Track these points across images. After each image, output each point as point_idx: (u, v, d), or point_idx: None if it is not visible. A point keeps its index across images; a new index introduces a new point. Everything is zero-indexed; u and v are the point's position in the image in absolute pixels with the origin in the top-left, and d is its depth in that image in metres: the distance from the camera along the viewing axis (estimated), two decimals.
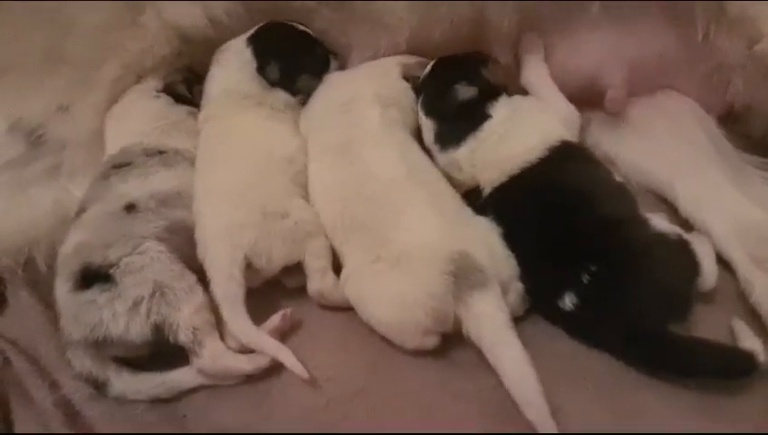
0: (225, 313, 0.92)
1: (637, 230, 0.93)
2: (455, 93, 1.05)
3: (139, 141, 1.05)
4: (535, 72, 1.11)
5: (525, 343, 0.90)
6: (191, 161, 1.05)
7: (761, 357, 0.86)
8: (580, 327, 0.92)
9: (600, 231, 0.93)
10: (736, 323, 0.92)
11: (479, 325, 0.87)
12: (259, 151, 1.03)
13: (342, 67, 1.15)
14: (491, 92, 1.05)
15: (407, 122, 1.08)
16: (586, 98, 1.10)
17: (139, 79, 1.12)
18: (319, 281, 0.96)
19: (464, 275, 0.89)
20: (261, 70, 1.09)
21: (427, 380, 0.90)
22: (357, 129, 1.04)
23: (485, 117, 1.03)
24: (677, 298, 0.91)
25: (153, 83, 1.12)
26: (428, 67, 1.10)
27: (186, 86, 1.13)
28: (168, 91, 1.12)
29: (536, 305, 0.96)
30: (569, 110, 1.07)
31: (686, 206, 1.05)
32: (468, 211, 0.99)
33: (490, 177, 1.01)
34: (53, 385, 0.94)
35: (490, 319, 0.87)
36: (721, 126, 1.11)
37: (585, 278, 0.90)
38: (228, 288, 0.92)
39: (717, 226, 1.01)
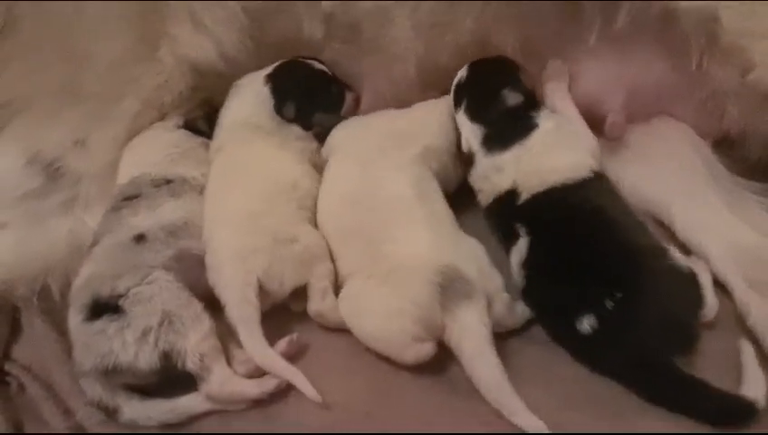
0: (242, 335, 0.94)
1: (659, 261, 0.94)
2: (502, 99, 1.07)
3: (147, 172, 1.08)
4: (560, 99, 1.12)
5: (527, 366, 0.93)
6: (198, 190, 1.07)
7: (760, 405, 0.86)
8: (591, 351, 0.92)
9: (630, 260, 0.93)
10: (746, 354, 0.92)
11: (461, 336, 0.90)
12: (267, 180, 1.06)
13: (357, 101, 1.17)
14: (533, 101, 1.08)
15: (439, 169, 1.09)
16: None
17: (163, 116, 1.15)
18: (319, 302, 0.99)
19: (451, 286, 0.91)
20: (278, 109, 1.11)
21: (433, 403, 0.91)
22: (384, 171, 1.05)
23: (533, 126, 1.05)
24: (686, 331, 0.92)
25: (175, 120, 1.15)
26: (465, 71, 1.11)
27: (206, 121, 1.16)
28: (189, 126, 1.15)
29: (545, 322, 0.96)
30: (594, 140, 1.08)
31: (683, 229, 1.06)
32: (461, 233, 1.01)
33: (530, 183, 1.02)
34: (67, 411, 0.96)
35: (472, 332, 0.89)
36: (716, 151, 1.12)
37: (608, 304, 0.90)
38: (244, 311, 0.94)
39: (714, 249, 1.02)
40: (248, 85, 1.13)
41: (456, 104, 1.11)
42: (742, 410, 0.86)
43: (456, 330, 0.90)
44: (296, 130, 1.12)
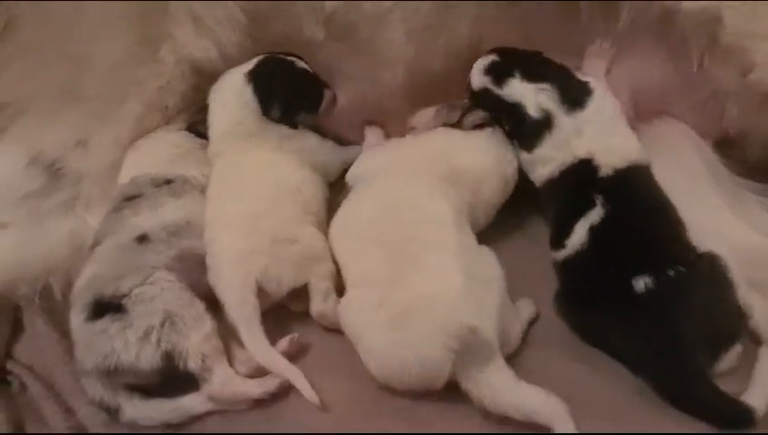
0: (243, 334, 0.94)
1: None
2: (550, 59, 1.08)
3: (147, 172, 1.08)
4: (596, 77, 1.10)
5: (534, 369, 0.93)
6: (199, 189, 1.08)
7: (760, 413, 0.86)
8: (632, 311, 0.92)
9: (691, 246, 0.96)
10: (762, 362, 0.92)
11: (495, 397, 0.87)
12: (268, 184, 1.06)
13: (334, 99, 1.16)
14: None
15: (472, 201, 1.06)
16: None
17: (168, 119, 1.15)
18: (321, 302, 0.99)
19: (468, 352, 0.87)
20: (264, 111, 1.09)
21: (435, 406, 0.91)
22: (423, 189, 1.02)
23: (590, 89, 1.05)
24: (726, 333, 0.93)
25: (179, 125, 1.16)
26: (491, 55, 1.09)
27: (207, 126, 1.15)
28: (191, 129, 1.15)
29: (595, 280, 0.96)
30: None
31: None
32: (482, 255, 0.98)
33: (610, 158, 1.01)
34: (68, 411, 0.96)
35: (502, 392, 0.87)
36: (717, 151, 1.12)
37: (670, 272, 0.92)
38: (243, 311, 0.95)
39: (715, 249, 1.00)
40: (229, 87, 1.11)
41: (500, 81, 1.07)
42: (741, 416, 0.87)
43: (485, 393, 0.87)
44: (283, 129, 1.10)
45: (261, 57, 1.12)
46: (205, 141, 1.14)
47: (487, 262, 0.96)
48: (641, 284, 0.92)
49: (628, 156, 1.02)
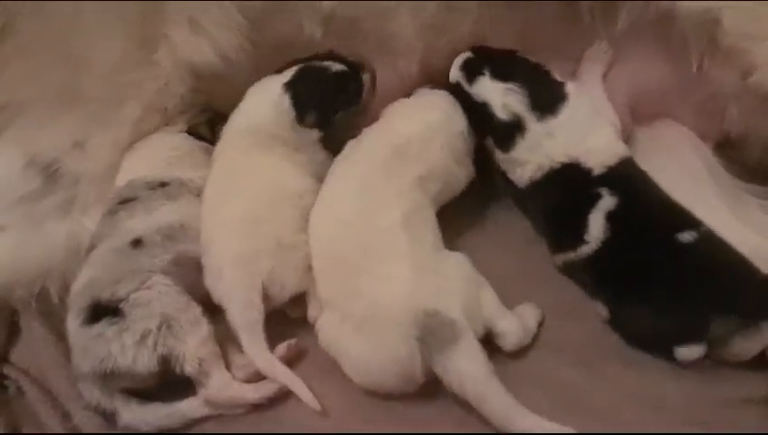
0: (244, 339, 0.94)
1: None
2: (523, 59, 1.08)
3: (144, 174, 1.08)
4: (591, 78, 1.11)
5: (526, 370, 0.93)
6: (195, 192, 1.07)
7: None
8: (688, 259, 0.94)
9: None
10: None
11: (461, 383, 0.87)
12: (268, 187, 1.04)
13: (374, 78, 1.12)
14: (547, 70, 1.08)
15: (443, 186, 1.06)
16: None
17: (168, 121, 1.15)
18: (318, 308, 0.98)
19: (431, 335, 0.87)
20: (300, 120, 1.08)
21: (431, 408, 0.91)
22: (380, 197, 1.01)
23: (565, 92, 1.05)
24: None
25: (179, 126, 1.15)
26: (467, 53, 1.09)
27: (208, 127, 1.15)
28: (192, 132, 1.15)
29: (637, 241, 0.96)
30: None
31: None
32: (443, 254, 0.98)
33: (597, 159, 1.01)
34: (65, 415, 0.96)
35: (469, 376, 0.87)
36: (717, 153, 1.12)
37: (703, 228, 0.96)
38: (248, 314, 0.94)
39: None
40: (266, 92, 1.09)
41: (471, 78, 1.07)
42: None
43: (453, 378, 0.87)
44: (314, 133, 1.08)
45: (298, 66, 1.10)
46: (205, 144, 1.13)
47: (448, 258, 0.97)
48: (687, 236, 0.94)
49: (615, 152, 1.02)
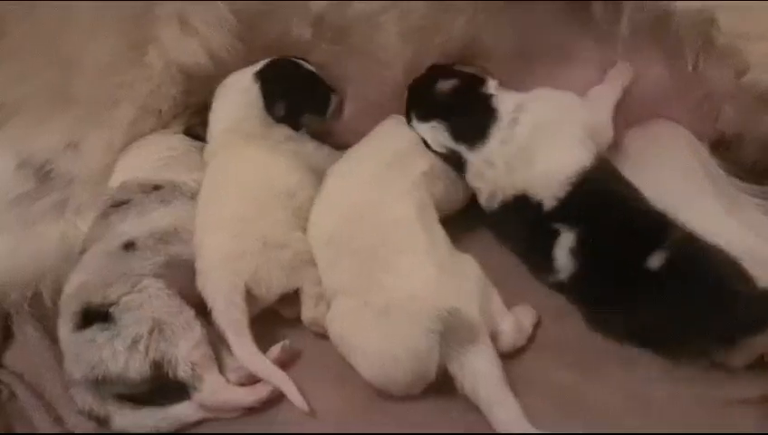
0: (231, 339, 0.93)
1: None
2: (438, 89, 1.06)
3: (137, 176, 1.07)
4: (607, 88, 1.10)
5: (525, 372, 0.92)
6: (189, 195, 1.06)
7: None
8: (656, 287, 0.91)
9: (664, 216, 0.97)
10: None
11: (474, 384, 0.87)
12: (260, 186, 1.04)
13: (341, 104, 1.15)
14: (476, 81, 1.07)
15: (443, 192, 1.06)
16: None
17: (165, 124, 1.14)
18: (312, 309, 0.98)
19: (452, 333, 0.88)
20: (268, 108, 1.09)
21: (428, 410, 0.91)
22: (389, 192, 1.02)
23: (492, 109, 1.03)
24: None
25: (176, 128, 1.15)
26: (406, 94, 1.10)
27: (204, 127, 1.15)
28: (189, 133, 1.14)
29: (608, 283, 0.95)
30: (595, 118, 1.06)
31: None
32: (457, 257, 0.98)
33: (545, 189, 0.98)
34: (58, 420, 0.95)
35: (484, 378, 0.87)
36: (713, 153, 1.11)
37: (675, 237, 0.93)
38: (231, 315, 0.94)
39: None
40: (235, 84, 1.11)
41: (409, 120, 1.08)
42: None
43: (467, 378, 0.87)
44: (285, 130, 1.10)
45: (270, 59, 1.12)
46: (202, 144, 1.13)
47: (463, 260, 0.97)
48: (655, 261, 0.92)
49: (566, 175, 0.98)
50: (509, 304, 0.97)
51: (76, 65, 1.09)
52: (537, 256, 1.00)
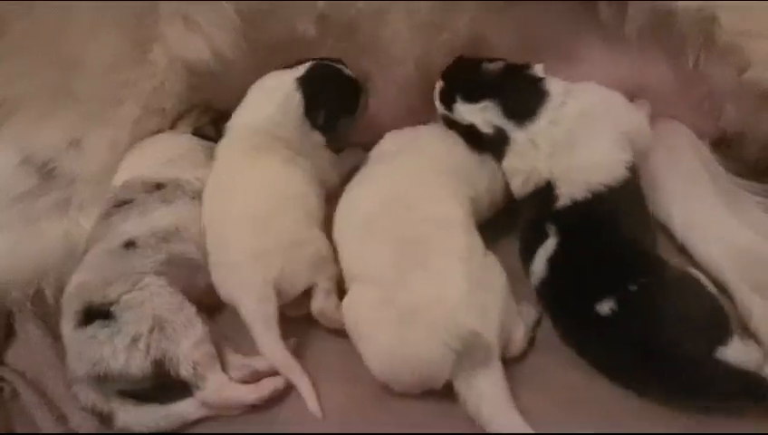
0: (260, 334, 0.93)
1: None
2: (486, 69, 1.06)
3: (141, 174, 1.07)
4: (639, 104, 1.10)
5: (526, 372, 0.93)
6: (191, 195, 1.06)
7: None
8: (605, 334, 0.90)
9: (653, 259, 0.94)
10: None
11: (479, 404, 0.86)
12: (273, 188, 1.04)
13: (366, 100, 1.12)
14: (521, 66, 1.06)
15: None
16: None
17: (171, 123, 1.15)
18: (322, 300, 0.98)
19: (468, 354, 0.87)
20: (309, 115, 1.07)
21: (432, 410, 0.90)
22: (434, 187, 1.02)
23: (544, 91, 1.02)
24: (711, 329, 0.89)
25: (184, 128, 1.15)
26: (439, 81, 1.09)
27: (213, 127, 1.15)
28: (197, 133, 1.14)
29: (561, 309, 0.95)
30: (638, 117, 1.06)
31: (682, 230, 1.05)
32: (488, 261, 0.96)
33: (571, 184, 0.97)
34: (61, 418, 0.95)
35: (490, 400, 0.86)
36: (714, 151, 1.12)
37: (632, 287, 0.89)
38: (264, 309, 0.94)
39: (713, 251, 1.01)
40: (277, 88, 1.08)
41: (450, 107, 1.07)
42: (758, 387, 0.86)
43: (472, 398, 0.87)
44: (317, 136, 1.08)
45: (311, 63, 1.10)
46: (209, 144, 1.12)
47: (492, 268, 0.96)
48: (606, 308, 0.89)
49: (592, 180, 0.96)
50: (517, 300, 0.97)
51: (78, 63, 1.09)
52: (527, 248, 0.99)
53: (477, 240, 0.98)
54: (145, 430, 0.92)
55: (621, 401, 0.90)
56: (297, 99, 1.07)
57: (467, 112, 1.06)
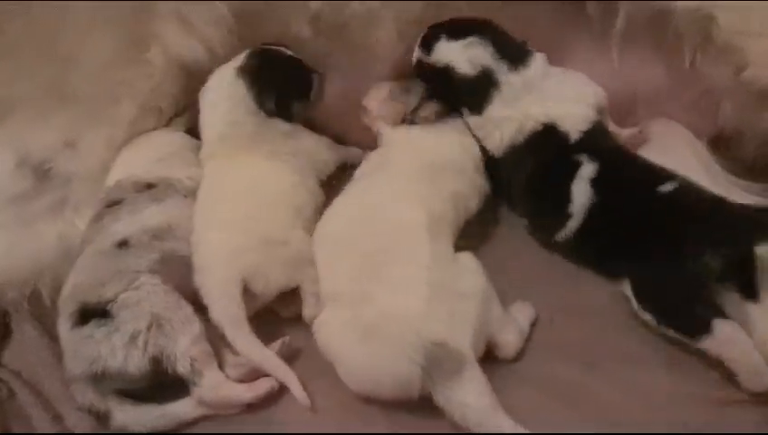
0: (230, 333, 0.93)
1: None
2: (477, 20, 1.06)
3: (132, 174, 1.07)
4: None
5: (522, 366, 0.93)
6: (183, 193, 1.06)
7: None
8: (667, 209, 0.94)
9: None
10: None
11: (463, 415, 0.84)
12: (260, 187, 1.04)
13: (322, 80, 1.12)
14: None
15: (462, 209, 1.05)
16: None
17: (167, 121, 1.15)
18: (313, 307, 0.97)
19: (436, 366, 0.84)
20: (258, 102, 1.06)
21: (426, 410, 0.89)
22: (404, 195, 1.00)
23: (529, 50, 1.05)
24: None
25: (178, 127, 1.15)
26: (421, 35, 1.08)
27: None
28: (191, 133, 1.14)
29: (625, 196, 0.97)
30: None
31: None
32: (460, 264, 0.94)
33: (570, 121, 1.01)
34: (57, 417, 0.95)
35: (471, 408, 0.84)
36: (712, 150, 1.12)
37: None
38: (228, 307, 0.94)
39: None
40: (219, 85, 1.08)
41: (429, 49, 1.05)
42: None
43: (455, 410, 0.84)
44: (280, 124, 1.08)
45: (248, 51, 1.10)
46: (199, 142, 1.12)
47: (465, 271, 0.93)
48: (668, 186, 0.95)
49: (587, 118, 1.02)
50: (509, 301, 0.97)
51: (74, 63, 1.09)
52: (551, 199, 1.00)
53: (444, 246, 0.96)
54: (142, 430, 0.91)
55: (620, 399, 0.90)
56: (241, 89, 1.06)
57: (449, 50, 1.03)
